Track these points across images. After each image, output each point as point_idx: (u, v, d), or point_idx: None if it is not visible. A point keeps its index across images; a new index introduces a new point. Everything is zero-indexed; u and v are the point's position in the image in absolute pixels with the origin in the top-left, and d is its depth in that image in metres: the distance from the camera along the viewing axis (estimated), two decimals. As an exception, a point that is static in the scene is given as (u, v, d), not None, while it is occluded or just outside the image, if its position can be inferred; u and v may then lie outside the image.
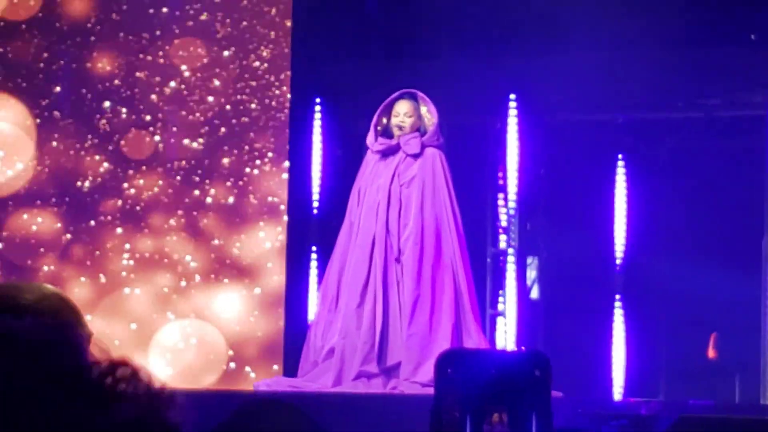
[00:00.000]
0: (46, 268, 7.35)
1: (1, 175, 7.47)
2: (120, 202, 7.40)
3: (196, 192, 7.40)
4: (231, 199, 7.40)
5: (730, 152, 7.70)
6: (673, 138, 7.80)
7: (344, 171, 7.13)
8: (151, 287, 7.35)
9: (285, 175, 7.45)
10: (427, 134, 6.16)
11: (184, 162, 7.43)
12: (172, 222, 7.37)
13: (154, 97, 7.48)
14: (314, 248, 7.62)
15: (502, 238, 7.67)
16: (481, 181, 7.70)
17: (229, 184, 7.42)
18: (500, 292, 7.61)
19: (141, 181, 7.41)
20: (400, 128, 6.15)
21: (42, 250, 7.40)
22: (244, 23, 7.48)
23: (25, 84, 7.52)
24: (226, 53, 7.47)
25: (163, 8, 7.49)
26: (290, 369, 6.62)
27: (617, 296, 7.56)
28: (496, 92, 7.69)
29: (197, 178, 7.42)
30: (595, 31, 7.36)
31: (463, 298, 5.98)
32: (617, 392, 7.42)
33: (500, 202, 7.71)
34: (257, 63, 7.46)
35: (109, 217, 7.39)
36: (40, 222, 7.43)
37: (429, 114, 6.20)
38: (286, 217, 7.39)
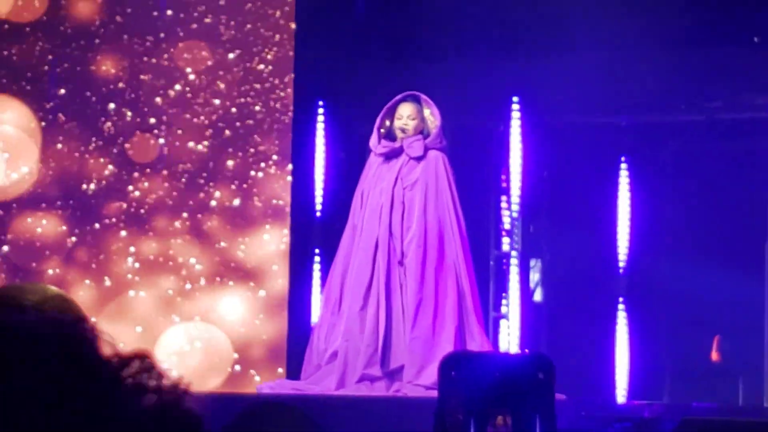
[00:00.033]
0: (51, 271, 7.35)
1: (5, 178, 7.48)
2: (125, 205, 7.41)
3: (201, 195, 7.41)
4: (235, 202, 7.41)
5: (732, 154, 7.70)
6: (676, 140, 7.80)
7: (347, 174, 7.14)
8: (156, 290, 7.36)
9: (289, 178, 7.46)
10: (430, 137, 6.16)
11: (188, 165, 7.43)
12: (177, 225, 7.38)
13: (158, 99, 7.48)
14: (317, 251, 7.62)
15: (505, 240, 7.67)
16: (484, 183, 7.70)
17: (233, 187, 7.42)
18: (503, 294, 7.61)
19: (146, 184, 7.42)
20: (403, 131, 6.16)
21: (47, 252, 7.41)
22: (248, 26, 7.48)
23: (29, 87, 7.53)
24: (230, 56, 7.48)
25: (168, 11, 7.50)
26: (293, 372, 6.62)
27: (620, 299, 7.56)
28: (499, 95, 7.69)
29: (202, 181, 7.42)
30: (598, 34, 7.36)
31: (466, 301, 5.98)
32: (620, 395, 7.41)
33: (503, 205, 7.71)
34: (262, 66, 7.47)
35: (114, 220, 7.40)
36: (44, 225, 7.43)
37: (432, 116, 6.20)
38: (289, 220, 7.40)
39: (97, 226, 7.39)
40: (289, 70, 7.48)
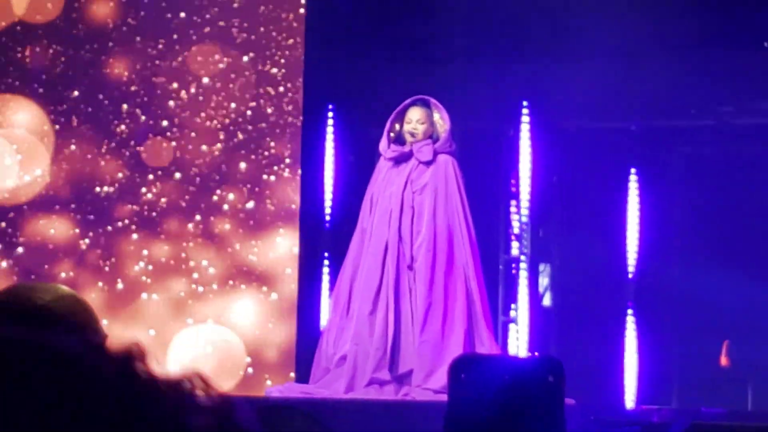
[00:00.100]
0: (63, 274, 7.37)
1: (18, 180, 7.50)
2: (137, 208, 7.42)
3: (213, 198, 7.42)
4: (248, 205, 7.42)
5: (742, 159, 7.70)
6: (686, 145, 7.80)
7: (357, 178, 7.14)
8: (168, 293, 7.37)
9: (299, 180, 7.47)
10: (439, 141, 6.17)
11: (201, 168, 7.44)
12: (190, 228, 7.39)
13: (171, 102, 7.50)
14: (326, 255, 7.63)
15: (515, 245, 7.67)
16: (493, 188, 7.70)
17: (246, 190, 7.43)
18: (512, 300, 7.60)
19: (158, 187, 7.43)
20: (413, 135, 6.16)
21: (59, 255, 7.42)
22: (261, 29, 7.50)
23: (42, 89, 7.55)
24: (243, 59, 7.49)
25: (181, 13, 7.52)
26: (303, 376, 6.63)
27: (629, 303, 7.55)
28: (509, 99, 7.70)
29: (214, 184, 7.44)
30: (608, 39, 7.36)
31: (476, 305, 5.99)
32: (629, 399, 7.41)
33: (512, 209, 7.71)
34: (275, 70, 7.48)
35: (127, 222, 7.41)
36: (57, 227, 7.45)
37: (441, 121, 6.21)
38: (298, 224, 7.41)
39: (109, 228, 7.41)
40: (300, 73, 7.49)
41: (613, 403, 7.27)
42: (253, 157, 7.44)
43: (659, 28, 7.36)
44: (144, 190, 7.44)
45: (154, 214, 7.42)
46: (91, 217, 7.43)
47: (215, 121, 7.48)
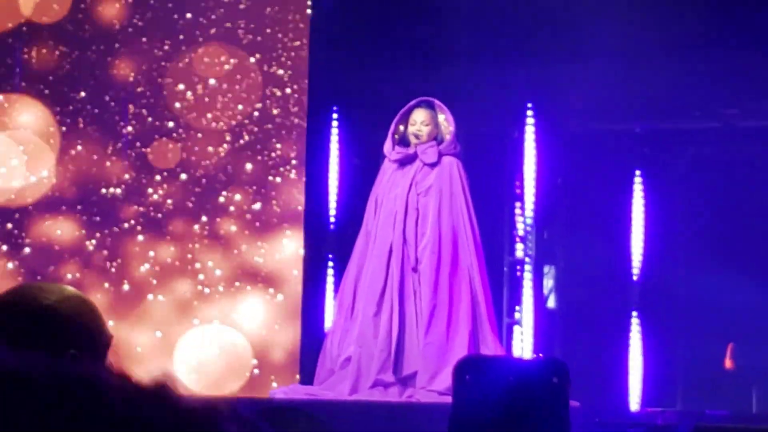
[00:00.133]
0: (69, 275, 7.37)
1: (24, 181, 7.51)
2: (143, 209, 7.43)
3: (220, 199, 7.43)
4: (254, 207, 7.43)
5: (748, 162, 7.69)
6: (691, 148, 7.80)
7: (361, 179, 7.15)
8: (174, 294, 7.38)
9: (304, 182, 7.48)
10: (444, 143, 6.17)
11: (207, 169, 7.45)
12: (196, 229, 7.40)
13: (177, 104, 7.51)
14: (331, 256, 7.64)
15: (519, 247, 7.67)
16: (498, 189, 7.70)
17: (252, 191, 7.44)
18: (517, 302, 7.61)
19: (164, 188, 7.44)
20: (417, 137, 6.16)
21: (65, 256, 7.43)
22: (268, 30, 7.51)
23: (48, 90, 7.56)
24: (249, 61, 7.50)
25: (187, 14, 7.53)
26: (307, 377, 6.63)
27: (634, 305, 7.55)
28: (514, 101, 7.70)
29: (220, 185, 7.44)
30: (613, 41, 7.36)
31: (480, 307, 5.99)
32: (634, 402, 7.41)
33: (517, 211, 7.71)
34: (281, 71, 7.49)
35: (133, 222, 7.42)
36: (63, 228, 7.45)
37: (446, 122, 6.21)
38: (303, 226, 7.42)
39: (115, 230, 7.42)
40: (306, 75, 7.50)
41: (618, 405, 7.27)
42: (259, 158, 7.45)
43: (663, 30, 7.36)
44: (150, 191, 7.45)
45: (160, 215, 7.43)
46: (97, 218, 7.43)
47: (221, 123, 7.49)
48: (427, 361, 5.85)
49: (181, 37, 7.52)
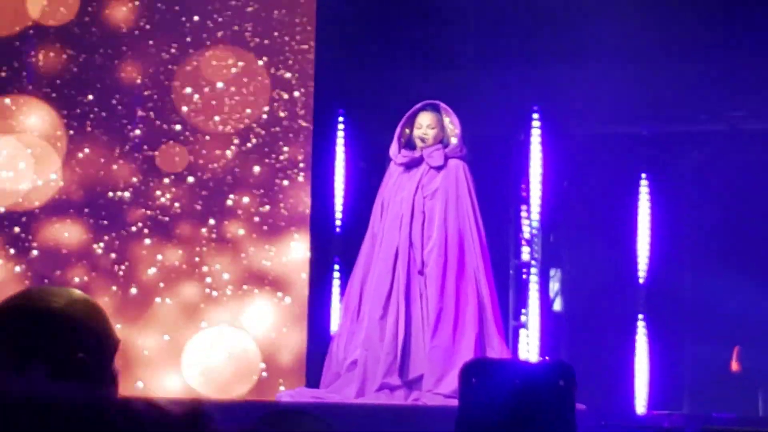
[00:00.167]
0: (77, 278, 7.39)
1: (32, 185, 7.53)
2: (151, 212, 7.44)
3: (227, 202, 7.44)
4: (261, 210, 7.44)
5: (754, 165, 7.69)
6: (697, 150, 7.80)
7: (368, 183, 7.16)
8: (182, 297, 7.39)
9: (311, 186, 7.49)
10: (450, 146, 6.18)
11: (214, 172, 7.46)
12: (203, 232, 7.41)
13: (184, 107, 7.52)
14: (337, 259, 7.64)
15: (525, 250, 7.68)
16: (504, 192, 7.71)
17: (259, 194, 7.45)
18: (523, 305, 7.61)
19: (171, 191, 7.45)
20: (423, 140, 6.17)
21: (73, 260, 7.44)
22: (275, 33, 7.52)
23: (55, 93, 7.58)
24: (256, 64, 7.51)
25: (195, 17, 7.54)
26: (313, 380, 6.64)
27: (640, 308, 7.55)
28: (520, 104, 7.70)
29: (227, 188, 7.45)
30: (618, 44, 7.37)
31: (487, 310, 5.99)
32: (640, 405, 7.41)
33: (523, 214, 7.71)
34: (288, 74, 7.50)
35: (140, 222, 7.43)
36: (70, 232, 7.47)
37: (452, 125, 6.22)
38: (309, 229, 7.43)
39: (123, 233, 7.43)
40: (311, 78, 7.51)
41: (624, 408, 7.27)
42: (266, 161, 7.46)
43: (669, 33, 7.37)
44: (157, 194, 7.46)
45: (167, 218, 7.44)
46: (105, 221, 7.45)
47: (228, 126, 7.50)
48: (433, 364, 5.86)
49: (189, 39, 7.54)
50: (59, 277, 7.39)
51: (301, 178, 7.45)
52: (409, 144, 6.23)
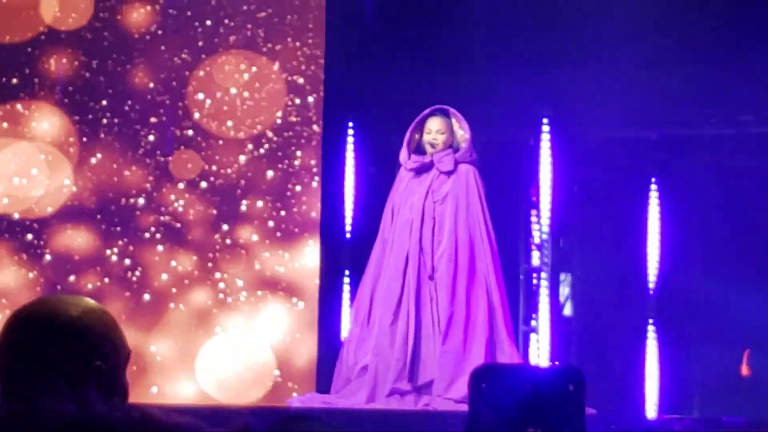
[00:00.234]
0: (90, 285, 7.41)
1: (44, 191, 7.55)
2: (163, 218, 7.46)
3: (240, 208, 7.46)
4: (274, 215, 7.45)
5: (764, 169, 7.68)
6: (706, 154, 7.79)
7: (377, 188, 7.17)
8: (195, 303, 7.40)
9: (321, 192, 7.51)
10: (460, 151, 6.19)
11: (227, 178, 7.48)
12: (216, 238, 7.43)
13: (197, 112, 7.55)
14: (347, 265, 7.65)
15: (535, 254, 7.69)
16: (514, 197, 7.72)
17: (272, 200, 7.46)
18: (533, 310, 7.61)
19: (185, 197, 7.47)
20: (433, 146, 6.19)
21: (85, 266, 7.46)
22: (287, 39, 7.55)
23: (68, 99, 7.61)
24: (269, 69, 7.53)
25: (207, 21, 7.57)
26: (324, 386, 6.65)
27: (650, 312, 7.55)
28: (529, 109, 7.71)
29: (240, 194, 7.47)
30: (629, 48, 7.38)
31: (497, 315, 6.00)
32: (651, 409, 7.41)
33: (533, 219, 7.72)
34: (301, 80, 7.52)
35: (153, 228, 7.45)
36: (83, 238, 7.49)
37: (461, 130, 6.23)
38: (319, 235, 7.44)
39: (136, 239, 7.45)
40: (323, 83, 7.53)
41: (635, 412, 7.27)
42: (279, 166, 7.48)
43: (679, 38, 7.37)
44: (170, 200, 7.48)
45: (180, 224, 7.46)
46: (118, 227, 7.46)
47: (241, 132, 7.52)
48: (443, 369, 5.87)
49: (201, 44, 7.56)
50: (72, 284, 7.41)
51: (314, 184, 7.47)
52: (418, 149, 6.25)
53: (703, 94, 7.52)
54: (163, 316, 7.40)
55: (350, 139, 7.84)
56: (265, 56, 7.55)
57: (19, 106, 7.61)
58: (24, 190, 7.55)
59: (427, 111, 6.25)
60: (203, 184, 7.50)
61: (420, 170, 6.21)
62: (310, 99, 7.52)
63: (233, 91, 7.55)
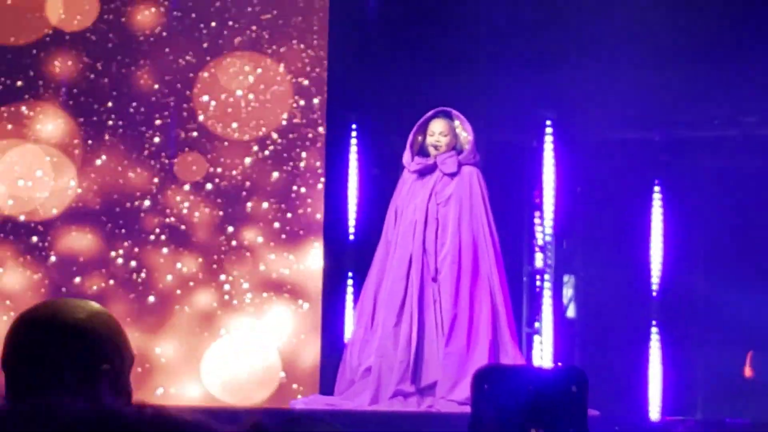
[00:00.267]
0: (94, 287, 7.42)
1: (49, 193, 7.56)
2: (168, 220, 7.47)
3: (245, 210, 7.47)
4: (279, 217, 7.46)
5: (766, 170, 7.69)
6: (710, 156, 7.80)
7: (380, 189, 7.18)
8: (200, 305, 7.41)
9: (324, 194, 7.52)
10: (463, 153, 6.20)
11: (232, 179, 7.49)
12: (221, 239, 7.44)
13: (201, 114, 7.56)
14: (351, 267, 7.67)
15: (539, 256, 7.70)
16: (517, 199, 7.73)
17: (277, 201, 7.47)
18: (536, 311, 7.62)
19: (190, 199, 7.48)
20: (436, 148, 6.20)
21: (90, 268, 7.47)
22: (291, 41, 7.56)
23: (72, 101, 7.62)
24: (273, 71, 7.54)
25: (212, 23, 7.58)
26: (328, 388, 6.66)
27: (654, 313, 7.56)
28: (533, 110, 7.72)
29: (245, 196, 7.48)
30: (632, 50, 7.39)
31: (500, 317, 6.01)
32: (654, 411, 7.41)
33: (537, 221, 7.73)
34: (306, 82, 7.53)
35: (158, 230, 7.47)
36: (88, 240, 7.50)
37: (464, 132, 6.24)
38: (322, 237, 7.45)
39: (140, 241, 7.46)
40: (326, 85, 7.54)
41: (638, 414, 7.28)
42: (284, 168, 7.49)
43: (682, 39, 7.38)
44: (175, 202, 7.50)
45: (184, 226, 7.47)
46: (122, 229, 7.47)
47: (246, 133, 7.53)
48: (447, 371, 5.88)
49: (205, 45, 7.58)
50: (77, 286, 7.42)
51: (319, 186, 7.48)
52: (421, 151, 6.26)
53: (706, 96, 7.53)
54: (168, 318, 7.40)
55: (353, 141, 7.85)
56: (269, 58, 7.56)
57: (23, 108, 7.62)
58: (29, 192, 7.56)
59: (430, 113, 6.26)
60: (208, 186, 7.51)
61: (423, 172, 6.22)
62: (315, 101, 7.53)
63: (238, 92, 7.56)
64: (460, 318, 5.95)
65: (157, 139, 7.56)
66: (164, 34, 7.61)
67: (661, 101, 7.53)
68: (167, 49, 7.60)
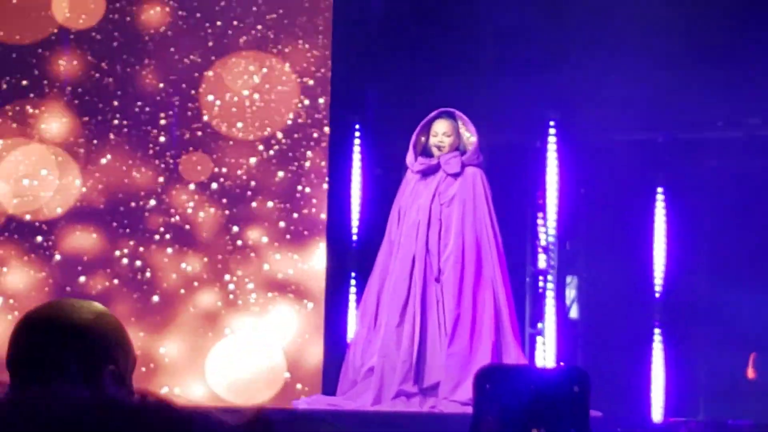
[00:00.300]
0: (99, 286, 7.44)
1: (53, 192, 7.58)
2: (173, 220, 7.49)
3: (250, 209, 7.49)
4: (283, 217, 7.48)
5: (770, 172, 7.69)
6: (713, 158, 7.81)
7: (384, 190, 7.20)
8: (204, 305, 7.43)
9: (327, 194, 7.53)
10: (467, 153, 6.21)
11: (236, 179, 7.51)
12: (226, 239, 7.46)
13: (206, 114, 7.58)
14: (354, 267, 7.68)
15: (542, 257, 7.71)
16: (520, 200, 7.74)
17: (281, 201, 7.48)
18: (539, 312, 7.63)
19: (194, 199, 7.50)
20: (439, 148, 6.21)
21: (94, 267, 7.49)
22: (297, 41, 7.57)
23: (77, 101, 7.64)
24: (278, 71, 7.56)
25: (218, 22, 7.60)
26: (330, 388, 6.67)
27: (656, 315, 7.57)
28: (536, 112, 7.73)
29: (250, 196, 7.50)
30: (635, 52, 7.39)
31: (503, 317, 6.02)
32: (656, 412, 7.42)
33: (540, 222, 7.74)
34: (312, 82, 7.55)
35: (162, 230, 7.48)
36: (92, 239, 7.51)
37: (468, 133, 6.25)
38: (326, 237, 7.47)
39: (145, 240, 7.47)
40: (330, 85, 7.55)
41: (640, 415, 7.28)
42: (289, 167, 7.51)
43: (686, 41, 7.39)
44: (180, 201, 7.51)
45: (189, 226, 7.48)
46: (127, 229, 7.49)
47: (251, 133, 7.55)
48: (450, 371, 5.89)
49: (211, 45, 7.59)
50: (82, 285, 7.43)
51: (324, 186, 7.49)
52: (425, 152, 6.27)
53: (710, 98, 7.53)
54: (173, 318, 7.42)
55: (356, 141, 7.86)
56: (274, 58, 7.58)
57: (28, 107, 7.64)
58: (33, 191, 7.58)
59: (433, 114, 6.27)
60: (213, 186, 7.52)
61: (427, 172, 6.23)
62: (320, 101, 7.54)
63: (243, 92, 7.57)
64: (463, 318, 5.96)
65: (162, 139, 7.58)
66: (169, 33, 7.63)
67: (665, 102, 7.53)
68: (172, 49, 7.62)
